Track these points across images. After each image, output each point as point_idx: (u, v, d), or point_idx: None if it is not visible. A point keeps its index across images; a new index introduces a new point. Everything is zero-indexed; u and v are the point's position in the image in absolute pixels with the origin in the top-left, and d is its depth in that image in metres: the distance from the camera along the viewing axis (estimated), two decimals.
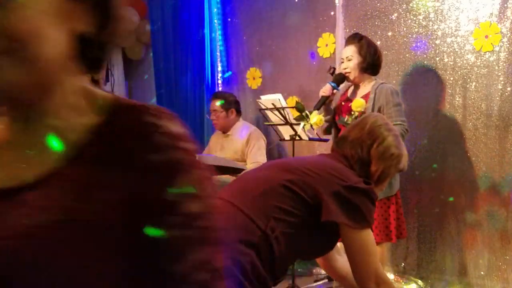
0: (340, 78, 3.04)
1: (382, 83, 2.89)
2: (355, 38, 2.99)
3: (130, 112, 0.62)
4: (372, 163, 1.66)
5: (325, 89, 2.98)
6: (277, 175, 1.57)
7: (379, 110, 2.88)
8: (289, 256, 1.58)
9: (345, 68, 2.98)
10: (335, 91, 3.02)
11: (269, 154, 4.15)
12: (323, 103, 2.99)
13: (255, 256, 1.44)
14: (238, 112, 4.04)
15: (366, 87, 2.93)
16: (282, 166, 1.64)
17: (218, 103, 3.99)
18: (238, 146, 3.96)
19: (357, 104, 2.83)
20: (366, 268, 1.55)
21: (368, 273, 1.55)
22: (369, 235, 1.56)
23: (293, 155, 3.51)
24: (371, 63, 2.90)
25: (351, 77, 2.96)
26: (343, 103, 3.01)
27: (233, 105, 4.02)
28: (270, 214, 1.48)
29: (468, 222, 3.22)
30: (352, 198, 1.52)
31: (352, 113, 2.83)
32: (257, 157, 3.89)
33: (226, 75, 4.62)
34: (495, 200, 3.12)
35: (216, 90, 4.67)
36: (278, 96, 3.18)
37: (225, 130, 4.06)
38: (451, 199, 3.28)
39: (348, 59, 2.97)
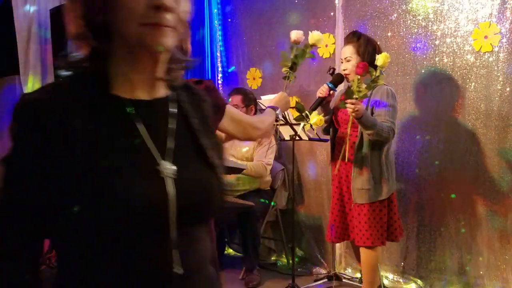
0: (338, 79, 3.03)
1: (381, 84, 2.88)
2: (353, 37, 2.95)
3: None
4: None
5: (322, 90, 2.96)
6: None
7: (372, 109, 2.86)
8: None
9: (344, 70, 2.97)
10: (332, 92, 3.01)
11: None
12: (319, 104, 2.99)
13: None
14: (256, 111, 4.02)
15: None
16: None
17: (238, 98, 3.96)
18: (250, 145, 3.96)
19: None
20: (245, 131, 1.94)
21: (249, 132, 1.96)
22: (231, 109, 1.87)
23: (293, 154, 3.52)
24: (370, 63, 2.85)
25: (351, 78, 2.94)
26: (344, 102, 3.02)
27: (252, 102, 4.00)
28: None
29: (468, 222, 3.23)
30: None
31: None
32: (263, 157, 3.89)
33: (231, 69, 4.63)
34: (494, 200, 3.12)
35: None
36: None
37: None
38: (453, 195, 3.29)
39: (347, 60, 2.94)
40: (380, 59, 2.77)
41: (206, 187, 0.89)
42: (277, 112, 2.14)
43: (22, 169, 0.81)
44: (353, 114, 2.66)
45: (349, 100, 2.67)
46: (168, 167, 0.82)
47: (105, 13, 0.83)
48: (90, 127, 0.81)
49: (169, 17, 0.85)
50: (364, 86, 2.75)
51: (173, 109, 0.92)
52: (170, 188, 0.83)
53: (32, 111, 0.82)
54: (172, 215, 0.82)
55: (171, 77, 0.94)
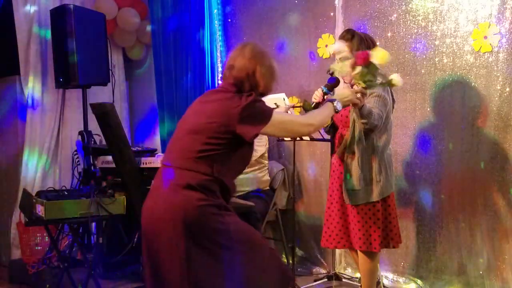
0: (334, 82, 2.97)
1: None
2: (347, 35, 2.85)
3: None
4: (259, 83, 2.12)
5: (317, 95, 2.86)
6: (195, 138, 2.04)
7: None
8: (234, 175, 2.13)
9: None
10: (326, 96, 2.96)
11: (269, 154, 4.17)
12: (315, 108, 2.93)
13: (218, 195, 2.03)
14: None
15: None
16: (192, 129, 2.07)
17: None
18: None
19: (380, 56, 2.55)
20: (296, 131, 2.29)
21: (300, 131, 2.27)
22: (277, 116, 2.07)
23: (294, 155, 3.53)
24: None
25: (347, 80, 2.85)
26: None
27: None
28: (211, 161, 2.00)
29: (467, 222, 3.23)
30: (250, 112, 2.01)
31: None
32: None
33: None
34: (494, 199, 3.13)
35: None
36: (282, 95, 3.17)
37: None
38: (452, 195, 3.29)
39: (341, 60, 2.82)
40: (378, 57, 2.54)
41: None
42: (334, 103, 2.33)
43: None
44: (358, 101, 2.53)
45: (357, 89, 2.55)
46: None
47: None
48: None
49: None
50: (377, 80, 2.58)
51: None
52: None
53: None
54: None
55: None
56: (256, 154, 3.91)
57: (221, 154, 2.01)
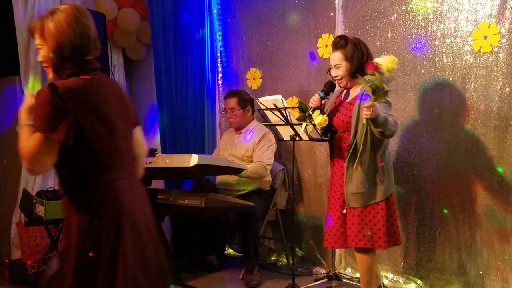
0: (330, 87, 3.02)
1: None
2: (340, 41, 2.90)
3: None
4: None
5: (314, 100, 2.90)
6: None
7: (360, 102, 2.80)
8: None
9: (335, 76, 2.95)
10: (324, 100, 3.00)
11: None
12: (312, 113, 2.97)
13: None
14: (253, 111, 4.06)
15: (357, 89, 2.90)
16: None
17: (234, 100, 4.01)
18: (250, 145, 3.98)
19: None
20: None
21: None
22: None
23: (293, 155, 3.52)
24: (359, 66, 2.83)
25: (342, 84, 2.93)
26: (338, 106, 3.00)
27: (249, 103, 4.05)
28: None
29: (467, 222, 3.23)
30: None
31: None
32: (263, 157, 3.90)
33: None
34: (494, 200, 3.13)
35: (216, 90, 4.69)
36: (279, 96, 3.19)
37: (240, 128, 4.08)
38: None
39: (337, 67, 2.91)
40: (386, 63, 2.65)
41: None
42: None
43: None
44: (370, 116, 2.58)
45: (366, 105, 2.58)
46: None
47: None
48: None
49: None
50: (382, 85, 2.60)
51: None
52: None
53: None
54: None
55: None
56: (263, 163, 3.89)
57: None
